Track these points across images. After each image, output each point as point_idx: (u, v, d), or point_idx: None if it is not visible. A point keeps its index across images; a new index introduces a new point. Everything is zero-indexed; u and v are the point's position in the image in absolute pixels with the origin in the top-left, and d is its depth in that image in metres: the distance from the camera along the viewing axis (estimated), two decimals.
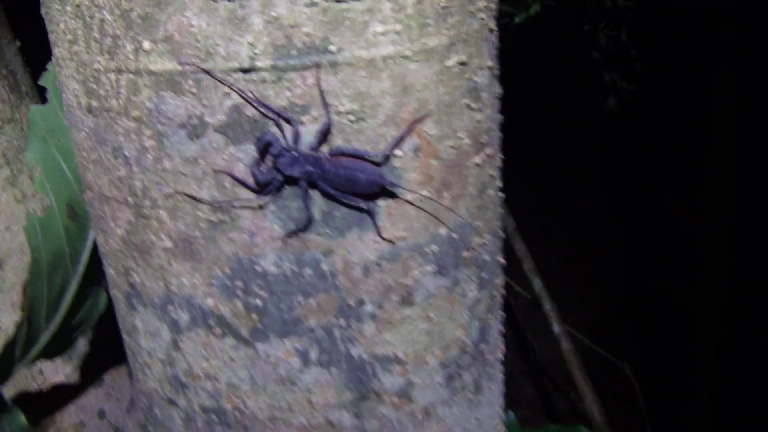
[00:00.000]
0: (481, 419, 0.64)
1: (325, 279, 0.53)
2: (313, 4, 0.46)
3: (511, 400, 0.73)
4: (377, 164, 0.50)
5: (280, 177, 0.50)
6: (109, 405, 0.90)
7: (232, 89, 0.48)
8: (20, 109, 0.83)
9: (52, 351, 0.74)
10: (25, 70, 0.88)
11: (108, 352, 0.89)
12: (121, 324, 0.62)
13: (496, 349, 0.65)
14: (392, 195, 0.52)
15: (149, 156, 0.51)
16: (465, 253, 0.57)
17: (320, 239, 0.52)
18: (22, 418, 0.68)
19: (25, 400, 0.83)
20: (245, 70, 0.47)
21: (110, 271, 0.60)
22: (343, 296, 0.53)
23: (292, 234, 0.51)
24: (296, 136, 0.49)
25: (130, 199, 0.54)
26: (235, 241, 0.52)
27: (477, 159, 0.56)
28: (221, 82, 0.48)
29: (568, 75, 2.59)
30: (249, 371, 0.55)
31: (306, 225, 0.51)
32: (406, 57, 0.49)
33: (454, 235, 0.55)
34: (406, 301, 0.55)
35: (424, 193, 0.53)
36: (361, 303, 0.54)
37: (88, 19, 0.50)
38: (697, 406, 2.08)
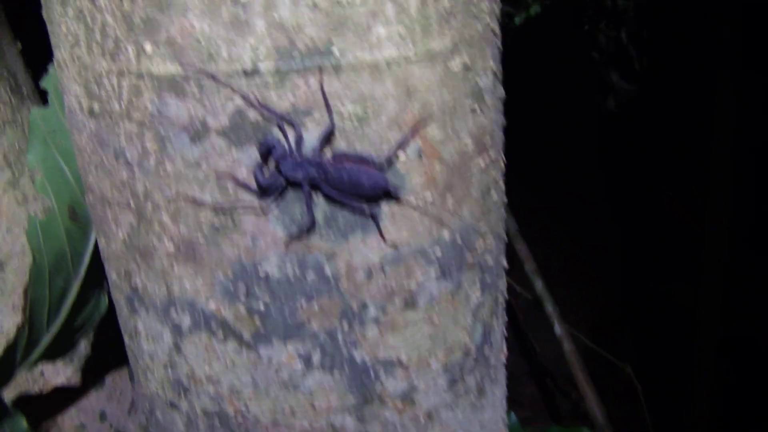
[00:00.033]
0: (485, 422, 0.64)
1: (328, 282, 0.52)
2: (316, 7, 0.46)
3: (512, 401, 0.72)
4: (380, 167, 0.50)
5: (282, 180, 0.50)
6: (111, 407, 0.89)
7: (235, 92, 0.48)
8: (21, 111, 0.83)
9: (54, 353, 0.74)
10: (26, 71, 0.88)
11: (109, 354, 0.89)
12: (123, 327, 0.62)
13: (499, 352, 0.65)
14: (395, 198, 0.52)
15: (151, 159, 0.51)
16: (468, 257, 0.56)
17: (323, 243, 0.51)
18: (24, 422, 0.67)
19: (26, 402, 0.83)
20: (248, 73, 0.47)
21: (112, 274, 0.59)
22: (346, 300, 0.53)
23: (294, 237, 0.51)
24: (299, 140, 0.49)
25: (131, 203, 0.54)
26: (238, 244, 0.52)
27: (480, 162, 0.56)
28: (224, 86, 0.47)
29: (568, 75, 2.59)
30: (251, 375, 0.55)
31: (309, 228, 0.51)
32: (409, 60, 0.49)
33: (458, 239, 0.55)
34: (410, 304, 0.55)
35: (428, 196, 0.53)
36: (364, 307, 0.53)
37: (89, 21, 0.50)
38: (698, 406, 2.08)
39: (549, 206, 2.46)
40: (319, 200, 0.51)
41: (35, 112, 0.67)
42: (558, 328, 1.49)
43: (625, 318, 2.33)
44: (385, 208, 0.52)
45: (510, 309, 0.66)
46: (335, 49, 0.47)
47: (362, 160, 0.49)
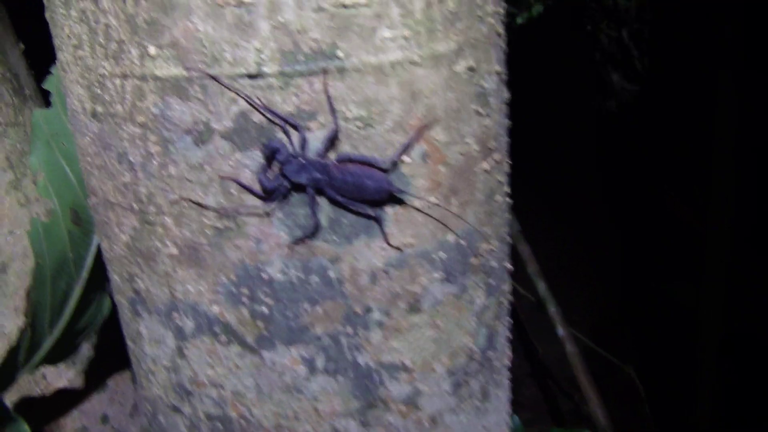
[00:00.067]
0: (489, 426, 0.63)
1: (332, 286, 0.52)
2: (321, 10, 0.46)
3: (514, 402, 0.72)
4: (385, 171, 0.50)
5: (286, 184, 0.49)
6: (113, 410, 0.89)
7: (239, 95, 0.47)
8: (24, 112, 0.82)
9: (56, 356, 0.74)
10: (29, 73, 0.87)
11: (111, 356, 0.89)
12: (126, 330, 0.61)
13: (503, 355, 0.65)
14: (400, 201, 0.51)
15: (154, 162, 0.51)
16: (473, 260, 0.56)
17: (327, 246, 0.51)
18: (25, 427, 0.67)
19: (28, 405, 0.83)
20: (252, 76, 0.47)
21: (115, 277, 0.59)
22: (350, 304, 0.53)
23: (298, 241, 0.51)
24: (303, 143, 0.49)
25: (135, 205, 0.53)
26: (241, 248, 0.51)
27: (485, 165, 0.55)
28: (228, 88, 0.47)
29: (569, 75, 2.59)
30: (254, 379, 0.55)
31: (313, 232, 0.51)
32: (414, 62, 0.49)
33: (462, 242, 0.55)
34: (414, 308, 0.54)
35: (432, 199, 0.52)
36: (368, 310, 0.53)
37: (93, 23, 0.49)
38: (700, 407, 2.08)
39: (551, 207, 2.46)
40: (323, 204, 0.51)
41: (38, 114, 0.67)
42: (560, 330, 1.49)
43: (627, 319, 2.33)
44: (390, 212, 0.52)
45: (512, 310, 0.66)
46: (340, 52, 0.47)
47: (367, 163, 0.49)
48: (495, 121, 0.56)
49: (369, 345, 0.54)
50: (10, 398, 0.81)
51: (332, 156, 0.49)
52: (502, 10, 0.56)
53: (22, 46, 0.87)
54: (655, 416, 1.85)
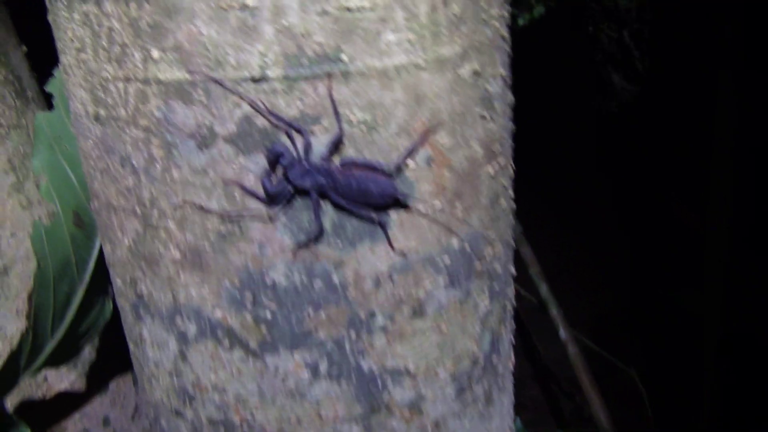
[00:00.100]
0: (492, 431, 0.63)
1: (336, 291, 0.52)
2: (325, 13, 0.46)
3: (516, 404, 0.72)
4: (389, 175, 0.49)
5: (290, 188, 0.49)
6: (114, 412, 0.89)
7: (243, 99, 0.47)
8: (26, 114, 0.82)
9: (58, 359, 0.73)
10: (31, 75, 0.87)
11: (113, 359, 0.89)
12: (128, 334, 0.61)
13: (506, 359, 0.64)
14: (404, 206, 0.51)
15: (158, 166, 0.51)
16: (477, 265, 0.56)
17: (331, 251, 0.51)
18: (27, 431, 0.67)
19: (29, 407, 0.82)
20: (256, 80, 0.47)
21: (117, 281, 0.59)
22: (353, 308, 0.52)
23: (302, 245, 0.50)
24: (307, 147, 0.48)
25: (137, 209, 0.53)
26: (245, 252, 0.51)
27: (489, 169, 0.55)
28: (231, 92, 0.47)
29: (570, 76, 2.59)
30: (257, 384, 0.55)
31: (317, 236, 0.50)
32: (419, 66, 0.48)
33: (467, 247, 0.55)
34: (418, 313, 0.54)
35: (437, 203, 0.52)
36: (372, 315, 0.53)
37: (96, 27, 0.49)
38: (703, 410, 2.07)
39: (553, 209, 2.46)
40: (327, 208, 0.50)
41: (40, 117, 0.67)
42: (562, 332, 1.49)
43: (629, 320, 2.32)
44: (394, 216, 0.51)
45: (515, 312, 0.66)
46: (344, 56, 0.46)
47: (371, 167, 0.49)
48: (500, 124, 0.56)
49: (372, 350, 0.54)
50: (12, 401, 0.81)
51: (336, 160, 0.49)
52: (506, 14, 0.56)
53: (24, 48, 0.87)
54: (657, 418, 1.85)
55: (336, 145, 0.48)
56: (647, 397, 1.78)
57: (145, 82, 0.49)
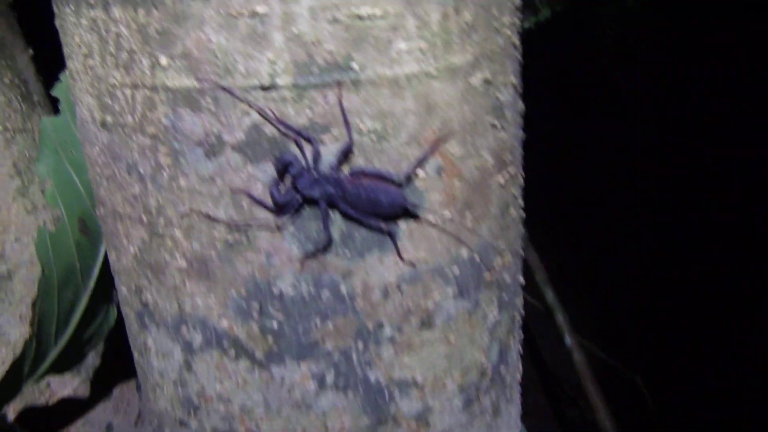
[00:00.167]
0: None
1: (344, 302, 0.51)
2: (336, 21, 0.45)
3: (521, 410, 0.71)
4: (399, 185, 0.49)
5: (299, 197, 0.48)
6: (117, 419, 0.88)
7: (252, 107, 0.46)
8: (32, 118, 0.82)
9: (62, 366, 0.73)
10: (38, 78, 0.87)
11: (116, 365, 0.88)
12: (133, 342, 0.61)
13: (515, 370, 0.64)
14: (414, 216, 0.51)
15: (165, 174, 0.50)
16: (487, 275, 0.55)
17: (339, 261, 0.50)
18: None
19: (32, 414, 0.82)
20: (265, 88, 0.46)
21: (122, 289, 0.58)
22: (361, 319, 0.52)
23: (310, 255, 0.50)
24: (316, 156, 0.48)
25: (144, 217, 0.52)
26: (252, 262, 0.50)
27: (500, 178, 0.54)
28: (240, 100, 0.46)
29: (576, 79, 2.58)
30: (263, 394, 0.54)
31: (325, 246, 0.50)
32: (430, 75, 0.48)
33: (476, 257, 0.54)
34: (426, 324, 0.53)
35: (447, 214, 0.51)
36: (380, 326, 0.52)
37: (103, 33, 0.49)
38: (708, 417, 2.06)
39: (560, 215, 2.44)
40: (335, 218, 0.50)
41: (46, 122, 0.66)
42: (568, 339, 1.48)
43: (635, 328, 2.31)
44: (403, 226, 0.51)
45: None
46: (355, 64, 0.46)
47: (381, 177, 0.48)
48: (510, 133, 0.55)
49: (380, 361, 0.53)
50: (14, 407, 0.80)
51: (346, 170, 0.49)
52: (518, 21, 0.55)
53: (31, 51, 0.86)
54: (662, 425, 1.84)
55: (345, 155, 0.48)
56: (652, 402, 1.77)
57: (153, 89, 0.48)
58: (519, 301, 0.62)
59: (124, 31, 0.47)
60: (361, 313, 0.51)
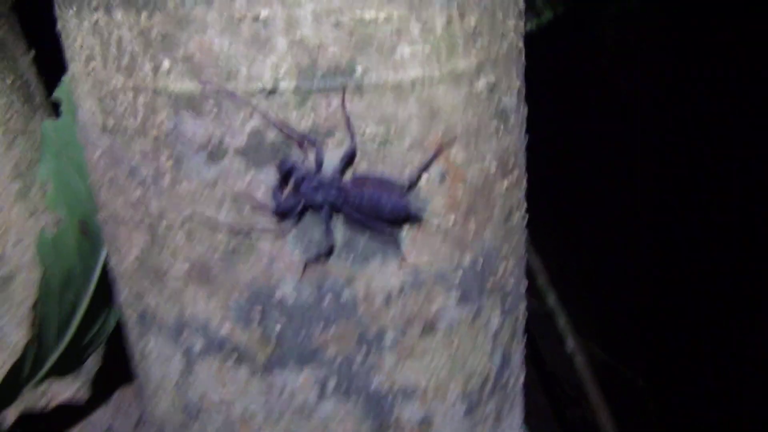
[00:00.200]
0: None
1: (346, 307, 0.51)
2: (340, 25, 0.45)
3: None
4: (402, 190, 0.48)
5: (301, 203, 0.48)
6: (117, 422, 0.88)
7: (254, 111, 0.46)
8: (33, 120, 0.81)
9: (62, 370, 0.73)
10: (39, 80, 0.86)
11: (116, 368, 0.88)
12: (133, 347, 0.60)
13: (517, 376, 0.63)
14: (417, 221, 0.50)
15: (166, 178, 0.50)
16: (490, 281, 0.55)
17: (342, 266, 0.50)
18: None
19: (31, 417, 0.82)
20: (268, 92, 0.46)
21: (123, 293, 0.58)
22: (364, 325, 0.51)
23: (312, 261, 0.49)
24: (320, 161, 0.47)
25: (145, 221, 0.52)
26: (254, 267, 0.50)
27: (504, 183, 0.54)
28: (243, 104, 0.46)
29: (577, 81, 2.57)
30: (264, 400, 0.53)
31: (327, 252, 0.49)
32: (434, 80, 0.47)
33: (480, 263, 0.54)
34: (429, 330, 0.53)
35: (450, 219, 0.51)
36: (383, 332, 0.52)
37: (105, 36, 0.48)
38: (710, 420, 2.06)
39: (561, 216, 2.44)
40: (338, 223, 0.49)
41: (48, 124, 0.66)
42: (570, 342, 1.47)
43: (636, 329, 2.31)
44: (407, 232, 0.50)
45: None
46: (358, 69, 0.46)
47: (384, 182, 0.48)
48: (514, 138, 0.55)
49: (382, 367, 0.53)
50: (14, 411, 0.80)
51: (349, 174, 0.48)
52: (522, 25, 0.55)
53: (32, 53, 0.86)
54: (663, 426, 1.84)
55: (349, 159, 0.47)
56: (654, 405, 1.76)
57: (155, 92, 0.48)
58: (522, 307, 0.62)
59: (126, 34, 0.47)
60: (364, 319, 0.51)
